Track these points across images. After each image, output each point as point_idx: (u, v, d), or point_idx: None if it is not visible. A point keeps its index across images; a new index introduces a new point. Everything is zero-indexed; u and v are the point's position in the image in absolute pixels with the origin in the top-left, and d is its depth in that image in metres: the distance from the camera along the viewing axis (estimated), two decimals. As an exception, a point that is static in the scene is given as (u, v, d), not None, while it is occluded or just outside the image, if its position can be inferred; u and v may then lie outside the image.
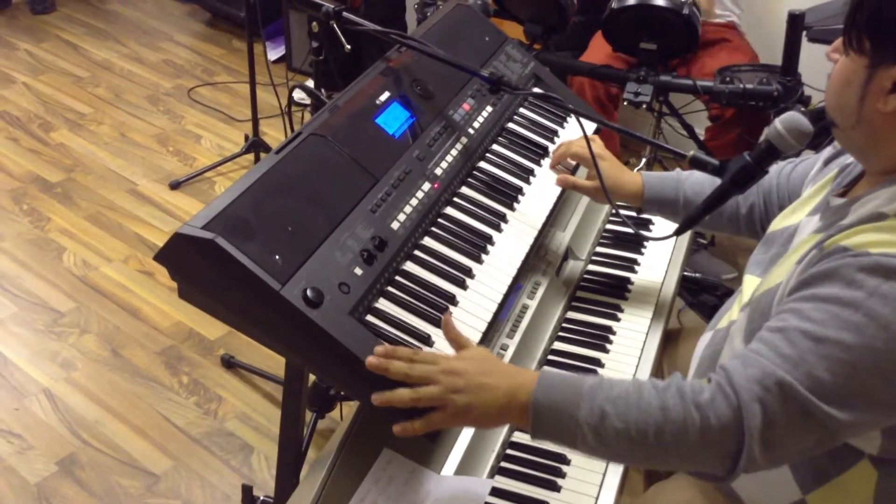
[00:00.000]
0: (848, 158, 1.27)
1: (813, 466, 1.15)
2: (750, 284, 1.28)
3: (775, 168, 1.48)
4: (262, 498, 1.69)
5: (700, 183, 1.49)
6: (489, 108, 1.61)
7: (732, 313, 1.30)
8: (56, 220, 3.06)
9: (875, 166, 1.14)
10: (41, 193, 3.19)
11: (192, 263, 1.12)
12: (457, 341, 1.16)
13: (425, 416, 1.09)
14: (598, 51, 2.77)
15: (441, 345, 1.20)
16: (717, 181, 1.27)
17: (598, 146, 1.53)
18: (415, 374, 1.08)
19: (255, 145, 3.30)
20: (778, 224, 1.34)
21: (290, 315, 1.09)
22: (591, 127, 1.72)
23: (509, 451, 1.31)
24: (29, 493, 2.10)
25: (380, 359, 1.08)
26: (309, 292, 1.10)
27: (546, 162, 1.61)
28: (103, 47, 4.25)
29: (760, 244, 1.36)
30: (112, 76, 4.01)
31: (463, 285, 1.30)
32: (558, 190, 1.57)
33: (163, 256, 1.14)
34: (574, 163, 1.59)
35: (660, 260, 1.71)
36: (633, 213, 1.74)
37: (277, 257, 1.11)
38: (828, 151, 1.37)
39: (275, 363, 2.45)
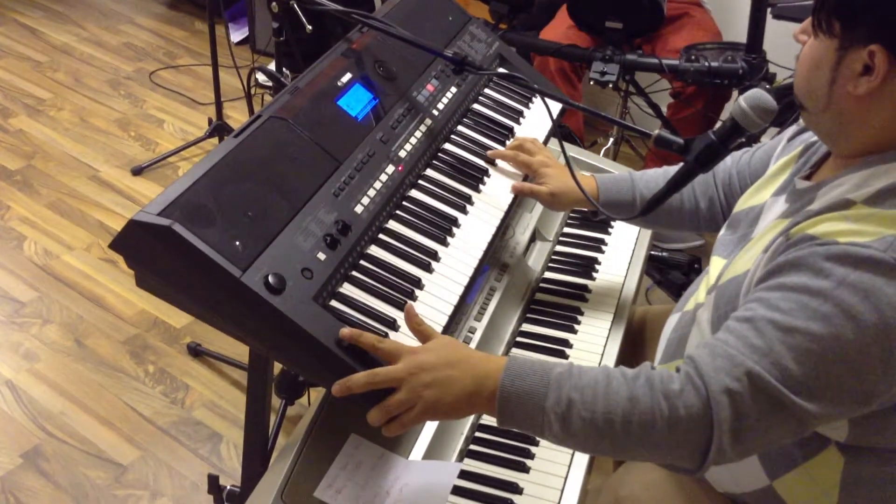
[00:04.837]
0: (813, 136, 1.25)
1: (780, 453, 1.15)
2: (716, 266, 1.27)
3: (731, 158, 1.48)
4: (228, 487, 1.66)
5: (654, 180, 1.48)
6: (453, 89, 1.59)
7: (699, 295, 1.29)
8: (16, 208, 3.00)
9: (843, 150, 1.12)
10: (0, 181, 3.12)
11: (149, 251, 1.09)
12: (420, 331, 1.14)
13: (397, 418, 1.08)
14: (559, 25, 2.75)
15: (407, 329, 1.18)
16: (670, 176, 1.27)
17: (545, 155, 1.53)
18: (378, 382, 1.07)
19: (219, 129, 3.24)
20: (743, 203, 1.32)
21: (252, 302, 1.06)
22: (556, 107, 1.71)
23: (478, 434, 1.30)
24: (-7, 487, 2.07)
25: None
26: (271, 278, 1.07)
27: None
28: (62, 31, 4.16)
29: (726, 225, 1.35)
30: (71, 60, 3.92)
31: (429, 269, 1.28)
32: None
33: (119, 244, 1.11)
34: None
35: (626, 241, 1.71)
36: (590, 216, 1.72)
37: (237, 243, 1.08)
38: (792, 129, 1.36)
39: (242, 350, 2.42)
